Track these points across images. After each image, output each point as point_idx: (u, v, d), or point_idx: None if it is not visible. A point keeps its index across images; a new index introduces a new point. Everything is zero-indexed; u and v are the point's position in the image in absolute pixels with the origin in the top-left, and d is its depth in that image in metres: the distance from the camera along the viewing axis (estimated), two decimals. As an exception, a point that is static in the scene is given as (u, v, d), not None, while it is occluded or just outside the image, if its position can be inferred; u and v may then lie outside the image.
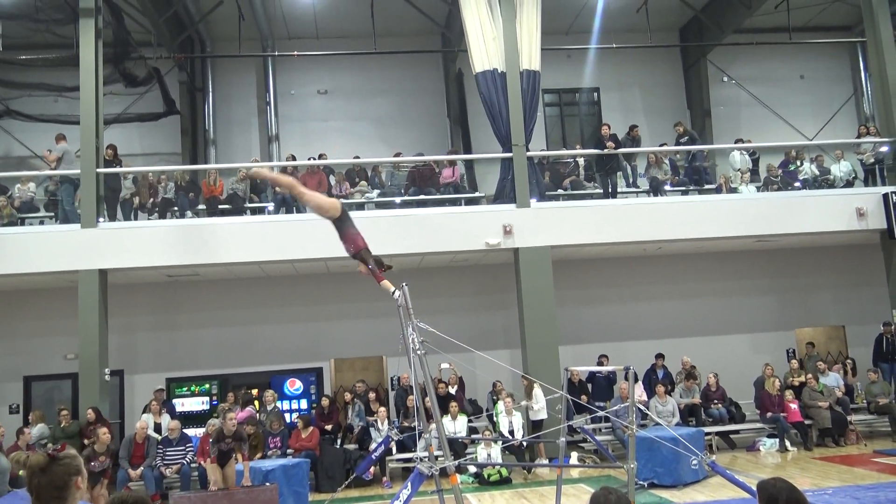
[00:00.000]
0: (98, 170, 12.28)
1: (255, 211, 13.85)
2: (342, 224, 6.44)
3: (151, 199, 13.25)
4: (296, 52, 15.40)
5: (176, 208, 13.31)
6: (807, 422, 12.44)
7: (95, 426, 11.02)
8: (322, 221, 13.06)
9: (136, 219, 13.21)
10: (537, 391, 11.90)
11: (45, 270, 12.01)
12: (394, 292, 6.17)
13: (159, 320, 14.27)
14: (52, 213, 13.14)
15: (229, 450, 9.07)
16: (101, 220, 12.23)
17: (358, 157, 14.54)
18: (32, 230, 12.65)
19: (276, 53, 15.84)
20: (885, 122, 14.19)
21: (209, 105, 16.14)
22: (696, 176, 14.59)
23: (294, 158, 14.23)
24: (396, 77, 16.59)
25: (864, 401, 13.32)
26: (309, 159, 14.26)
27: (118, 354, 13.16)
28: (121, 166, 13.29)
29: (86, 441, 10.40)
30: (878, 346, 13.82)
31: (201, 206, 13.47)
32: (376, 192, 14.02)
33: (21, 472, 2.62)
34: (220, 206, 13.30)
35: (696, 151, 14.91)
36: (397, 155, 14.56)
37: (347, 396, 12.69)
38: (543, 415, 12.01)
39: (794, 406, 12.41)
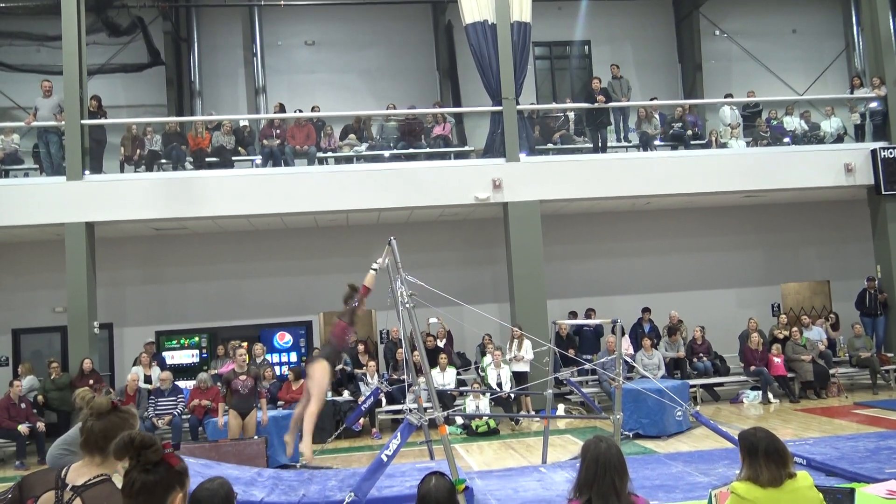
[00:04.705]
0: (83, 121, 12.12)
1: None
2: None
3: (138, 152, 13.10)
4: (282, 2, 15.10)
5: (164, 161, 13.19)
6: (790, 375, 12.65)
7: (91, 378, 11.08)
8: (309, 175, 13.03)
9: (122, 171, 13.08)
10: (526, 343, 12.02)
11: (30, 223, 11.93)
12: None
13: (148, 274, 14.24)
14: (37, 166, 12.99)
15: (249, 395, 9.07)
16: (86, 172, 12.12)
17: (353, 111, 14.37)
18: (17, 182, 12.52)
19: (263, 3, 15.53)
20: (877, 76, 14.13)
21: (194, 56, 15.85)
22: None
23: (283, 108, 14.05)
24: (385, 28, 16.33)
25: (847, 354, 13.53)
26: (296, 111, 14.10)
27: (107, 308, 13.16)
28: (105, 118, 13.11)
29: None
30: (860, 301, 13.97)
31: (188, 159, 13.33)
32: (365, 145, 13.91)
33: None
34: (206, 159, 13.18)
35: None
36: (392, 107, 14.38)
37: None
38: (527, 367, 12.13)
39: (777, 360, 12.59)
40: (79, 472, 2.49)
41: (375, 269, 6.90)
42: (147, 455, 2.07)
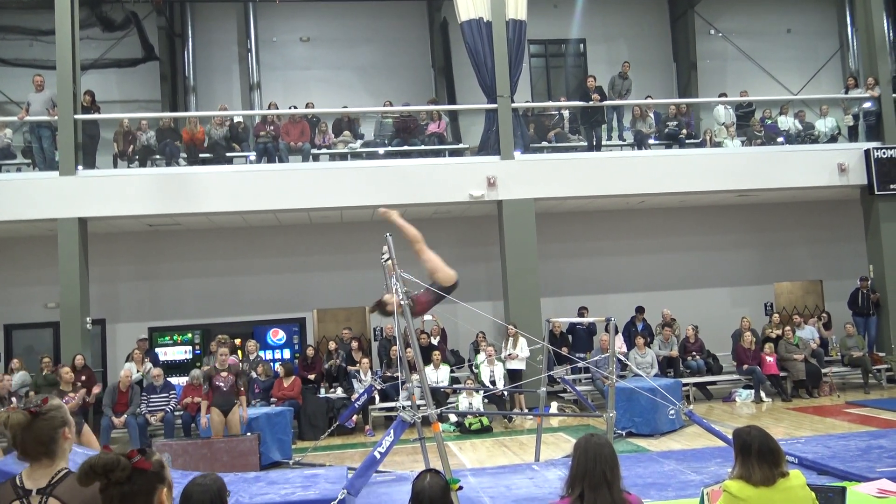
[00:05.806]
0: (76, 116, 12.06)
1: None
2: (443, 294, 6.25)
3: (131, 147, 13.05)
4: (277, -2, 15.06)
5: (157, 157, 13.14)
6: (782, 374, 12.69)
7: (83, 374, 11.02)
8: (303, 172, 13.01)
9: (115, 167, 13.03)
10: (521, 341, 12.02)
11: (22, 218, 11.86)
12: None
13: (141, 270, 14.20)
14: (29, 161, 12.92)
15: (230, 392, 9.04)
16: (79, 167, 12.07)
17: (346, 107, 14.35)
18: (9, 177, 12.44)
19: (258, -1, 15.49)
20: (871, 77, 14.17)
21: (189, 51, 15.77)
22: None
23: (276, 107, 14.01)
24: (380, 25, 16.29)
25: (839, 354, 13.58)
26: (290, 108, 14.06)
27: (100, 304, 13.11)
28: (98, 113, 13.06)
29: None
30: (853, 301, 14.01)
31: (182, 155, 13.29)
32: (359, 142, 13.89)
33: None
34: (200, 155, 13.13)
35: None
36: (386, 104, 14.35)
37: (332, 345, 12.78)
38: (522, 365, 12.14)
39: (770, 359, 12.62)
40: (36, 476, 2.42)
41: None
42: (115, 475, 2.03)
